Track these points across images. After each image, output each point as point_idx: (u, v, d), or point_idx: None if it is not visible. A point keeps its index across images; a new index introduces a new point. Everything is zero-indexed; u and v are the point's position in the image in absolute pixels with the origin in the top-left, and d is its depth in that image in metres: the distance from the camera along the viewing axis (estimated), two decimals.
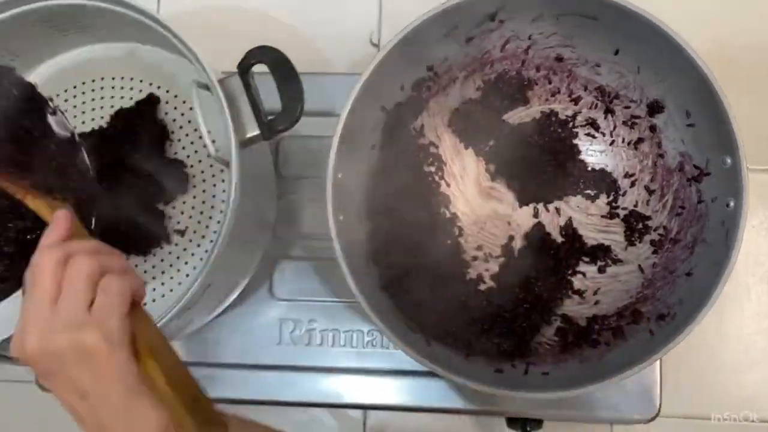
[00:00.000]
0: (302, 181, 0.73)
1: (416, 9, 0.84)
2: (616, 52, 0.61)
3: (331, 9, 0.84)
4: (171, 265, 0.63)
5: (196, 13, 0.86)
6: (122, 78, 0.66)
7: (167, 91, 0.65)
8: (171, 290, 0.63)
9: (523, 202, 0.66)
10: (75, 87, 0.66)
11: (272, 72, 0.55)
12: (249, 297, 0.70)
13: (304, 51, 0.86)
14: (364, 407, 0.74)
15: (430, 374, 0.67)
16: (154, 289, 0.63)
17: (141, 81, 0.65)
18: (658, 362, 0.64)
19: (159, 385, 0.39)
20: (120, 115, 0.64)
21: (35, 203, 0.45)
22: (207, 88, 0.55)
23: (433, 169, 0.65)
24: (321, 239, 0.70)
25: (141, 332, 0.39)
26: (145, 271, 0.64)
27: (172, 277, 0.63)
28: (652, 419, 0.63)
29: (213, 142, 0.54)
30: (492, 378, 0.59)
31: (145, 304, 0.42)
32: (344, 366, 0.68)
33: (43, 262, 0.38)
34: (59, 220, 0.41)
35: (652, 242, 0.64)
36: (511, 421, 0.68)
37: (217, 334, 0.70)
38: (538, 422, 0.67)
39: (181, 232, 0.63)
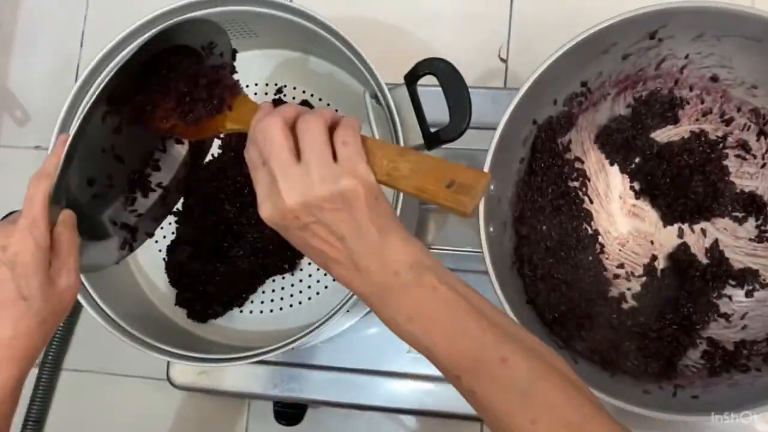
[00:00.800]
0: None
1: (546, 22, 0.85)
2: None
3: (462, 23, 0.85)
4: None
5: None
6: (276, 84, 0.68)
7: (320, 99, 0.67)
8: (310, 298, 0.65)
9: (667, 221, 0.65)
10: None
11: (441, 83, 0.56)
12: None
13: None
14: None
15: None
16: (309, 298, 0.65)
17: (294, 88, 0.68)
18: None
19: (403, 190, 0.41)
20: None
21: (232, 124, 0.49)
22: (376, 98, 0.57)
23: (577, 184, 0.66)
24: (453, 251, 0.72)
25: (376, 161, 0.41)
26: (292, 284, 0.66)
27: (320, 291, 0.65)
28: None
29: None
30: (639, 398, 0.59)
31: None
32: None
33: (272, 128, 0.40)
34: (264, 105, 0.45)
35: None
36: None
37: (348, 340, 0.71)
38: None
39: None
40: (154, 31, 0.48)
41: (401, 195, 0.54)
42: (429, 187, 0.41)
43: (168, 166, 0.59)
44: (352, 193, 0.39)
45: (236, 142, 0.66)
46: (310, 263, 0.67)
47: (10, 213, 0.54)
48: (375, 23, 0.87)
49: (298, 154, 0.40)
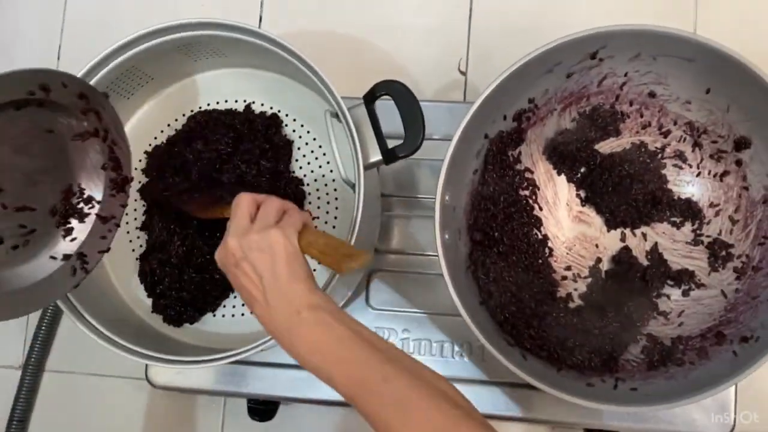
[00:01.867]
0: (397, 199, 0.79)
1: (502, 41, 0.89)
2: (708, 91, 0.65)
3: (424, 36, 0.90)
4: None
5: (293, 35, 0.93)
6: (245, 101, 0.72)
7: (287, 115, 0.71)
8: None
9: (611, 226, 0.70)
10: (205, 105, 0.72)
11: (396, 103, 0.60)
12: (347, 307, 0.75)
13: (396, 77, 0.92)
14: None
15: (513, 385, 0.72)
16: None
17: (262, 105, 0.71)
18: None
19: (315, 256, 0.53)
20: (245, 132, 0.69)
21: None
22: (336, 116, 0.61)
23: (527, 193, 0.70)
24: (415, 254, 0.77)
25: (304, 237, 0.53)
26: None
27: None
28: None
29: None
30: (583, 391, 0.63)
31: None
32: None
33: (242, 199, 0.54)
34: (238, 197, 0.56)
35: (735, 269, 0.68)
36: None
37: None
38: None
39: None
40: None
41: (359, 216, 0.59)
42: (327, 253, 0.53)
43: (94, 187, 0.62)
44: (277, 243, 0.51)
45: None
46: None
47: None
48: (340, 37, 0.91)
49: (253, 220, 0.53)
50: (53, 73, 0.54)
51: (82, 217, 0.61)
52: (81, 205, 0.61)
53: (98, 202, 0.62)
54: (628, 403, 0.61)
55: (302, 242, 0.53)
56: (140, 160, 0.72)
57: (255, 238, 0.51)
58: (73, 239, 0.61)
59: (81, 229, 0.62)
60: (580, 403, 0.60)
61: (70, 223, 0.61)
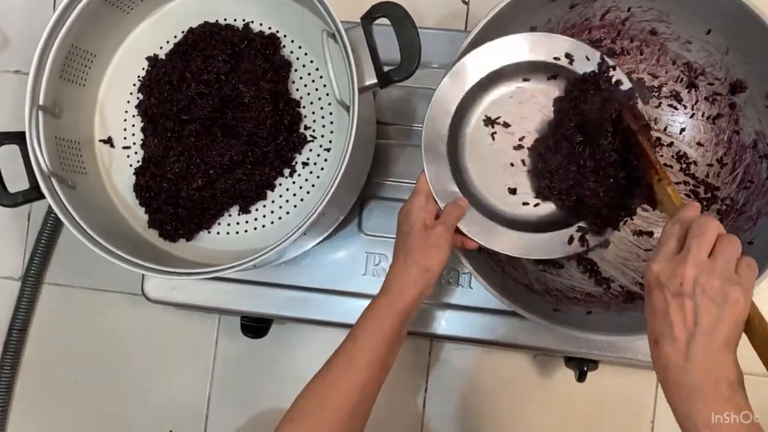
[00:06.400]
0: (393, 127, 0.79)
1: None
2: (708, 32, 0.65)
3: None
4: (291, 197, 0.71)
5: None
6: (243, 20, 0.71)
7: (285, 36, 0.71)
8: (273, 222, 0.71)
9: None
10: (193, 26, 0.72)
11: (394, 26, 0.60)
12: (340, 231, 0.77)
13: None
14: (433, 336, 0.82)
15: (497, 312, 0.74)
16: (272, 222, 0.71)
17: (261, 24, 0.71)
18: None
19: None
20: (244, 50, 0.69)
21: (669, 189, 0.55)
22: (333, 37, 0.61)
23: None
24: (408, 183, 0.78)
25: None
26: (257, 209, 0.71)
27: (282, 216, 0.71)
28: None
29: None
30: (559, 318, 0.66)
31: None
32: None
33: (712, 227, 0.47)
34: (697, 206, 0.50)
35: (719, 211, 0.69)
36: (569, 360, 0.75)
37: (310, 262, 0.78)
38: (595, 363, 0.74)
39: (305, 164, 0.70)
40: None
41: (352, 138, 0.59)
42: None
43: None
44: (735, 300, 0.45)
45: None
46: (280, 185, 0.71)
47: None
48: None
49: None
50: None
51: None
52: None
53: None
54: (603, 331, 0.64)
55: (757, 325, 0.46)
56: (138, 77, 0.73)
57: (716, 284, 0.45)
58: None
59: None
60: (555, 329, 0.62)
61: None
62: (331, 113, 0.69)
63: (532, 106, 0.66)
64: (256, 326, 0.83)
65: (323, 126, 0.70)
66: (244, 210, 0.71)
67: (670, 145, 0.71)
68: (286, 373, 0.88)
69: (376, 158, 0.77)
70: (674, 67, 0.69)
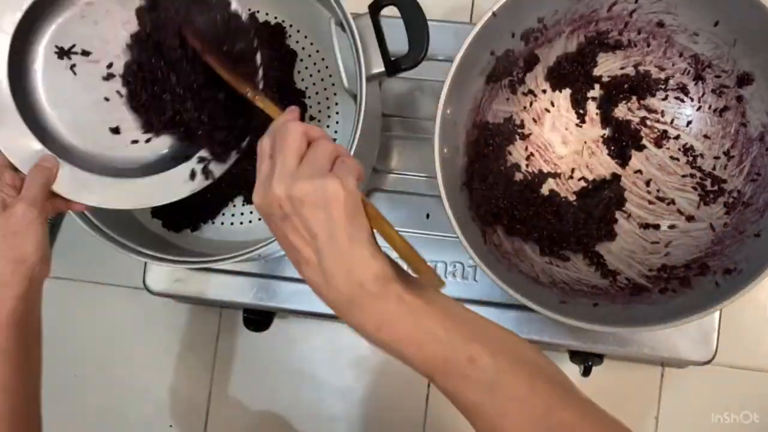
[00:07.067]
0: (398, 120, 0.79)
1: None
2: (716, 24, 0.65)
3: None
4: None
5: None
6: (249, 9, 0.71)
7: (290, 26, 0.70)
8: None
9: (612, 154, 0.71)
10: None
11: (401, 12, 0.60)
12: None
13: None
14: None
15: (502, 305, 0.74)
16: None
17: (267, 14, 0.71)
18: (718, 311, 0.70)
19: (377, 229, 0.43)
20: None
21: (264, 102, 0.51)
22: (341, 25, 0.61)
23: (526, 113, 0.71)
24: (411, 175, 0.78)
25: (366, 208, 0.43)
26: None
27: None
28: (708, 362, 0.70)
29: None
30: (565, 310, 0.65)
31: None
32: None
33: (292, 131, 0.43)
34: (293, 109, 0.47)
35: (725, 204, 0.69)
36: (574, 355, 0.75)
37: None
38: (599, 358, 0.74)
39: None
40: None
41: (359, 128, 0.58)
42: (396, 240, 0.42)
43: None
44: (334, 194, 0.40)
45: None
46: None
47: None
48: None
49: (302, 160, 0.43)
50: None
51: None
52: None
53: None
54: (610, 323, 0.63)
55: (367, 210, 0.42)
56: None
57: (308, 189, 0.41)
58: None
59: None
60: (562, 321, 0.62)
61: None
62: (337, 103, 0.69)
63: (111, 24, 0.54)
64: (258, 319, 0.82)
65: (328, 116, 0.69)
66: (249, 200, 0.71)
67: (677, 137, 0.70)
68: (288, 367, 0.88)
69: (380, 150, 0.77)
70: (681, 60, 0.69)
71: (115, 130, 0.56)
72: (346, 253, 0.41)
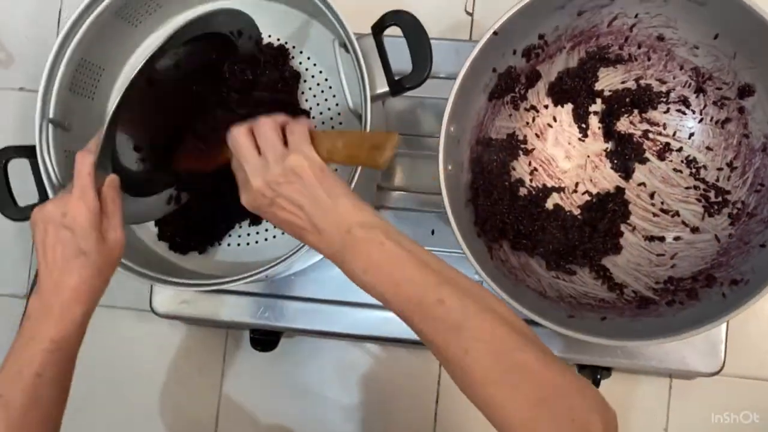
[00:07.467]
0: (401, 137, 0.79)
1: None
2: (716, 37, 0.66)
3: None
4: None
5: None
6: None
7: (293, 47, 0.71)
8: (283, 233, 0.70)
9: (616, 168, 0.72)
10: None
11: (405, 35, 0.60)
12: None
13: None
14: None
15: None
16: (282, 233, 0.70)
17: (269, 36, 0.71)
18: (726, 322, 0.69)
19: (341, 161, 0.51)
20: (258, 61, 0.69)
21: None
22: (344, 47, 0.61)
23: (529, 129, 0.71)
24: (416, 192, 0.78)
25: (319, 144, 0.51)
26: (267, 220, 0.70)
27: None
28: (716, 373, 0.70)
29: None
30: (572, 324, 0.65)
31: None
32: None
33: (238, 137, 0.51)
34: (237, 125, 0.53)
35: (730, 215, 0.69)
36: (582, 368, 0.75)
37: (320, 274, 0.77)
38: (608, 371, 0.73)
39: None
40: (191, 17, 0.56)
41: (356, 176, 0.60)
42: (354, 153, 0.51)
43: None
44: (299, 167, 0.48)
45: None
46: None
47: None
48: None
49: (260, 151, 0.50)
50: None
51: None
52: None
53: None
54: (618, 337, 0.63)
55: (321, 153, 0.50)
56: None
57: (277, 171, 0.48)
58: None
59: None
60: (570, 335, 0.62)
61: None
62: (341, 123, 0.70)
63: None
64: (265, 339, 0.82)
65: None
66: (255, 221, 0.71)
67: (680, 150, 0.71)
68: (296, 387, 0.87)
69: (385, 170, 0.77)
70: (682, 72, 0.70)
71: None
72: (332, 209, 0.48)
